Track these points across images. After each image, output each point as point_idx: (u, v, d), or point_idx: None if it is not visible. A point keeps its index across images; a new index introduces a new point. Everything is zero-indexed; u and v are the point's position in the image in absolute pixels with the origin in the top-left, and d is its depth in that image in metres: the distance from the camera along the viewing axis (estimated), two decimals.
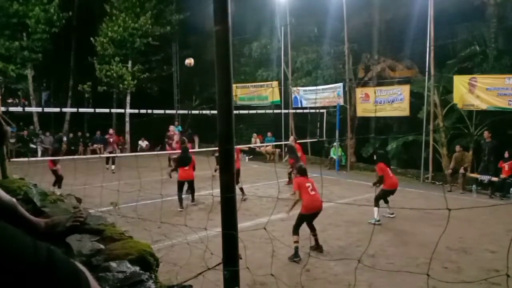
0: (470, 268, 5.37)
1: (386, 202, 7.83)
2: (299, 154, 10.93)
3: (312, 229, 6.05)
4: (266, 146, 17.17)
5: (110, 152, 14.47)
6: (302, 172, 6.30)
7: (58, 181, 9.86)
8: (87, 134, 20.40)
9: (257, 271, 4.92)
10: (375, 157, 9.61)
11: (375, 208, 7.42)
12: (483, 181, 10.63)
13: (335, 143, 14.91)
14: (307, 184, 6.03)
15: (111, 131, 15.41)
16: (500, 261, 5.33)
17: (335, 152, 14.84)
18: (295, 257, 5.65)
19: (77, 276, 0.67)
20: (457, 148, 11.49)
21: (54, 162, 10.03)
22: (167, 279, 2.23)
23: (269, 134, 17.45)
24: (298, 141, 11.62)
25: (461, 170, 11.08)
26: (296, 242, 5.73)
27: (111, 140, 15.01)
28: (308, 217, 5.94)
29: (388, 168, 7.93)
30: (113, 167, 14.02)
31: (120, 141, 18.76)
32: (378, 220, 7.39)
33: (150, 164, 15.43)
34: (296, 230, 5.84)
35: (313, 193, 5.99)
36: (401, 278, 5.04)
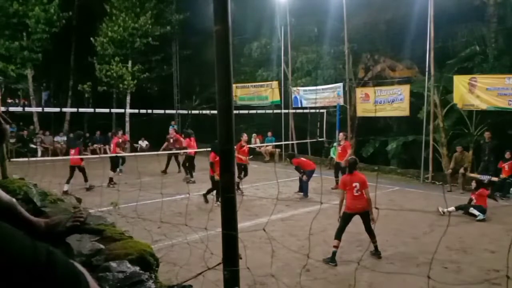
0: (470, 268, 5.37)
1: None
2: (349, 152, 11.08)
3: (372, 235, 5.75)
4: (266, 146, 17.17)
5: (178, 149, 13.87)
6: (351, 167, 6.07)
7: (85, 177, 10.23)
8: (87, 134, 20.39)
9: (257, 271, 4.92)
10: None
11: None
12: (483, 181, 10.63)
13: (335, 143, 14.91)
14: (354, 184, 5.79)
15: (171, 130, 15.06)
16: (500, 261, 5.33)
17: (335, 152, 14.82)
18: (330, 261, 5.50)
19: (76, 277, 0.67)
20: (458, 148, 11.48)
21: (82, 159, 10.34)
22: (167, 279, 2.23)
23: (269, 134, 17.44)
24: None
25: (461, 170, 11.07)
26: (335, 246, 5.56)
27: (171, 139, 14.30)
28: (348, 216, 5.76)
29: None
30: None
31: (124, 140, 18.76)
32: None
33: (150, 164, 15.44)
34: (337, 233, 5.68)
35: (358, 194, 5.76)
36: (401, 278, 5.04)
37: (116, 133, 12.99)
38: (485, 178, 10.53)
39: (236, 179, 8.65)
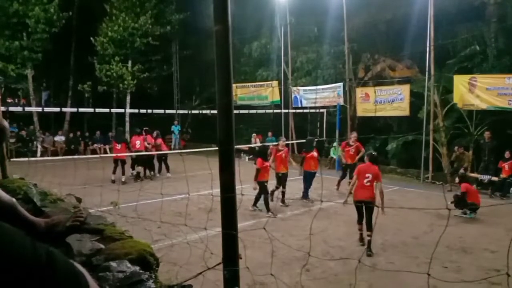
0: (470, 268, 5.37)
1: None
2: (362, 152, 10.44)
3: (368, 227, 5.99)
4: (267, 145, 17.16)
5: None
6: (371, 159, 6.39)
7: (124, 170, 11.23)
8: (86, 134, 20.43)
9: (257, 271, 4.92)
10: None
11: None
12: (483, 181, 10.64)
13: (335, 143, 14.91)
14: (367, 175, 6.07)
15: (155, 133, 15.21)
16: (500, 261, 5.34)
17: (335, 152, 14.84)
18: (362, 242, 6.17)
19: (76, 277, 0.67)
20: (459, 149, 11.48)
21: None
22: (167, 279, 2.23)
23: (269, 134, 17.43)
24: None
25: (461, 170, 11.10)
26: (360, 230, 6.24)
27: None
28: (357, 203, 6.12)
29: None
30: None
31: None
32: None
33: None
34: (357, 218, 6.23)
35: (367, 184, 6.03)
36: (401, 278, 5.04)
37: (151, 132, 12.85)
38: (486, 178, 10.53)
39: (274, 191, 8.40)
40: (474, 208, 7.79)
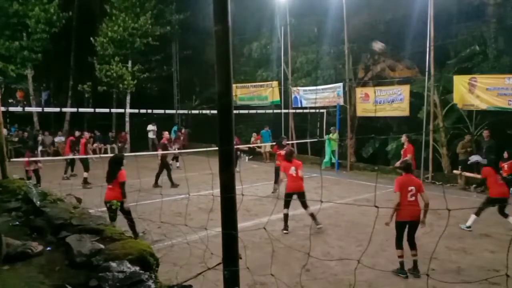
0: (470, 268, 5.37)
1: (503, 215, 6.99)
2: (410, 156, 10.06)
3: (412, 245, 5.23)
4: (265, 145, 17.17)
5: (178, 149, 14.62)
6: (406, 169, 5.46)
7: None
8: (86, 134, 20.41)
9: (257, 271, 4.92)
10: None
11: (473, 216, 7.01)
12: (472, 163, 10.81)
13: (330, 134, 14.82)
14: (410, 188, 5.21)
15: (183, 130, 15.67)
16: (500, 261, 5.33)
17: (330, 145, 14.68)
18: (399, 272, 5.10)
19: None
20: (467, 137, 11.57)
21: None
22: (167, 279, 2.23)
23: (265, 128, 17.35)
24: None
25: (458, 171, 11.15)
26: (400, 256, 5.14)
27: (182, 138, 15.32)
28: (402, 225, 5.19)
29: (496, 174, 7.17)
30: (177, 164, 14.43)
31: (124, 139, 18.82)
32: (469, 227, 7.03)
33: (150, 164, 15.40)
34: (397, 242, 5.20)
35: (412, 198, 5.21)
36: (401, 278, 5.04)
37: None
38: (474, 159, 10.66)
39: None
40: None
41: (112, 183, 6.21)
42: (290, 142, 16.43)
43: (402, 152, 10.68)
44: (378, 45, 12.21)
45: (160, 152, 11.45)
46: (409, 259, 5.18)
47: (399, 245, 5.16)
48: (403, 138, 10.88)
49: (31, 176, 10.16)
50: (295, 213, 8.35)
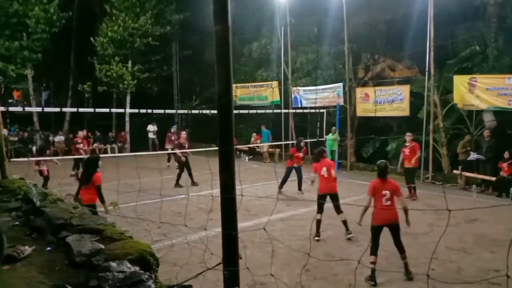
0: (470, 268, 5.37)
1: None
2: (418, 153, 9.94)
3: (400, 249, 5.09)
4: (265, 145, 17.17)
5: (172, 149, 14.68)
6: (380, 173, 5.32)
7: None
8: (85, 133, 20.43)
9: (257, 271, 4.92)
10: None
11: None
12: (471, 160, 10.91)
13: (330, 134, 14.80)
14: (384, 192, 5.11)
15: (173, 130, 15.75)
16: (500, 261, 5.33)
17: (330, 145, 14.63)
18: (370, 279, 4.89)
19: None
20: (467, 137, 11.66)
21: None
22: (167, 279, 2.23)
23: (263, 127, 17.33)
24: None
25: (458, 171, 11.17)
26: (373, 263, 4.92)
27: (173, 138, 15.23)
28: (377, 230, 5.08)
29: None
30: (168, 163, 14.78)
31: (124, 139, 18.83)
32: None
33: (150, 164, 15.40)
34: (372, 248, 5.00)
35: (387, 203, 5.10)
36: (401, 278, 5.04)
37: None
38: (474, 157, 10.70)
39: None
40: None
41: (87, 185, 5.99)
42: (290, 142, 16.47)
43: (408, 151, 10.01)
44: (488, 118, 11.94)
45: (178, 151, 11.53)
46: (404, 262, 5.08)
47: (373, 251, 4.99)
48: (408, 137, 10.23)
49: (47, 175, 10.21)
50: (295, 213, 8.36)
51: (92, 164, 6.16)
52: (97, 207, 5.99)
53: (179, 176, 11.17)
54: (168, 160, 15.00)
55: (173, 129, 16.32)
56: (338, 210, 6.54)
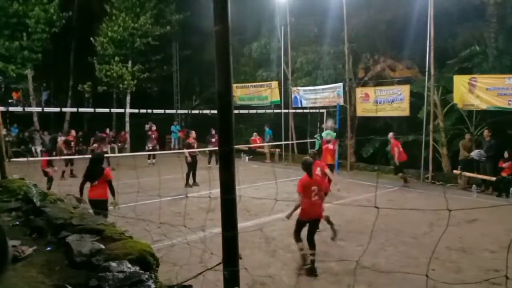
0: (470, 268, 5.37)
1: None
2: (396, 149, 11.12)
3: (311, 245, 5.32)
4: (266, 145, 17.16)
5: (153, 147, 15.44)
6: (306, 170, 5.51)
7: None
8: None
9: (257, 271, 4.93)
10: None
11: None
12: (473, 158, 10.93)
13: (318, 135, 14.73)
14: (313, 188, 5.35)
15: (153, 128, 16.01)
16: (500, 261, 5.33)
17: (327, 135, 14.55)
18: (303, 265, 5.24)
19: None
20: (467, 136, 11.69)
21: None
22: (167, 279, 2.23)
23: (266, 127, 17.37)
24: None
25: (458, 171, 11.17)
26: (302, 249, 5.28)
27: (153, 136, 15.76)
28: (302, 224, 5.36)
29: None
30: (153, 161, 15.40)
31: (124, 139, 18.82)
32: None
33: (151, 163, 15.41)
34: (296, 236, 5.36)
35: (315, 198, 5.33)
36: (401, 278, 5.04)
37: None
38: (476, 155, 10.69)
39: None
40: None
41: (98, 182, 6.14)
42: (290, 142, 16.47)
43: (391, 149, 11.53)
44: (329, 124, 13.06)
45: (186, 150, 11.64)
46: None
47: (298, 238, 5.32)
48: (390, 135, 11.56)
49: (52, 177, 10.34)
50: (294, 213, 8.34)
51: (96, 162, 6.34)
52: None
53: (187, 176, 11.34)
54: (149, 158, 15.55)
55: (147, 127, 16.54)
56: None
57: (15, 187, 3.30)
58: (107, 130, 17.95)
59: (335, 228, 6.63)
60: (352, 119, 15.22)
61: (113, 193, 6.19)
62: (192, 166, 11.42)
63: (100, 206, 5.65)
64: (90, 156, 7.60)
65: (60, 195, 3.54)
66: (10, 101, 22.54)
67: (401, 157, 11.27)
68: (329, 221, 6.59)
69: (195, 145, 11.93)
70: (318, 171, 6.86)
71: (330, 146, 10.64)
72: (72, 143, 13.69)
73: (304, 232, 5.40)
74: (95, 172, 6.19)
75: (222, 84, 1.78)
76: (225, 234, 1.81)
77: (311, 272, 5.12)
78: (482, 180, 10.78)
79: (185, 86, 23.24)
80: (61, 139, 18.13)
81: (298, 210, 5.38)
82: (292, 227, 7.25)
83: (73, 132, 14.29)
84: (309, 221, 5.35)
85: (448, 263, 5.52)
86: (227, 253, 1.82)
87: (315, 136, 14.91)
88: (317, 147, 14.69)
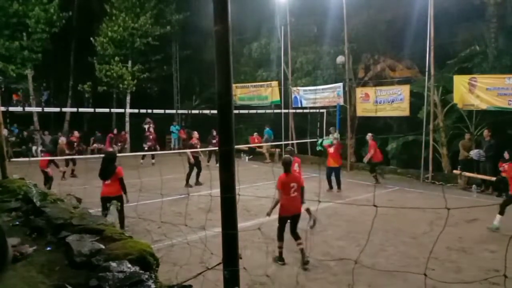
0: (470, 268, 5.37)
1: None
2: (372, 151, 11.47)
3: (295, 237, 5.55)
4: (266, 145, 17.16)
5: (150, 147, 15.53)
6: (285, 168, 5.73)
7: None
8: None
9: (256, 271, 4.93)
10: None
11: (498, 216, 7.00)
12: (472, 158, 10.95)
13: (330, 134, 14.74)
14: (292, 185, 5.58)
15: (151, 128, 16.04)
16: (500, 261, 5.33)
17: (320, 147, 14.56)
18: (278, 260, 5.53)
19: None
20: (466, 135, 11.74)
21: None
22: (167, 279, 2.23)
23: (266, 127, 17.37)
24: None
25: (457, 171, 11.17)
26: (280, 247, 5.56)
27: (151, 137, 15.84)
28: (284, 219, 5.57)
29: None
30: (153, 161, 15.38)
31: (124, 139, 18.81)
32: (497, 228, 6.97)
33: (150, 164, 15.41)
34: (278, 235, 5.57)
35: (294, 194, 5.57)
36: (401, 278, 5.04)
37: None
38: (475, 154, 10.71)
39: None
40: None
41: (111, 179, 6.43)
42: (290, 142, 16.46)
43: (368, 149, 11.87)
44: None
45: (188, 151, 11.64)
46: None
47: (280, 238, 5.55)
48: (368, 136, 11.89)
49: (52, 177, 10.33)
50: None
51: (110, 160, 6.59)
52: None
53: (188, 176, 11.26)
54: (142, 158, 15.55)
55: (146, 126, 16.55)
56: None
57: (15, 187, 3.30)
58: (115, 131, 17.96)
59: (314, 218, 7.04)
60: (352, 119, 15.22)
61: (124, 190, 6.46)
62: (195, 167, 11.37)
63: (105, 205, 6.11)
64: (90, 156, 7.66)
65: (60, 195, 3.55)
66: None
67: (376, 157, 11.57)
68: (308, 212, 6.94)
69: (198, 145, 11.94)
70: (296, 167, 7.28)
71: (331, 150, 10.86)
72: (75, 144, 13.64)
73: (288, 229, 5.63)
74: (109, 170, 6.45)
75: (222, 84, 1.78)
76: (225, 234, 1.81)
77: (302, 261, 5.37)
78: (482, 180, 10.77)
79: (185, 86, 23.24)
80: (62, 140, 18.16)
81: (278, 207, 5.63)
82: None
83: (76, 133, 14.21)
84: (289, 216, 5.56)
85: (448, 263, 5.52)
86: (227, 253, 1.82)
87: (318, 142, 14.88)
88: (318, 147, 14.72)
